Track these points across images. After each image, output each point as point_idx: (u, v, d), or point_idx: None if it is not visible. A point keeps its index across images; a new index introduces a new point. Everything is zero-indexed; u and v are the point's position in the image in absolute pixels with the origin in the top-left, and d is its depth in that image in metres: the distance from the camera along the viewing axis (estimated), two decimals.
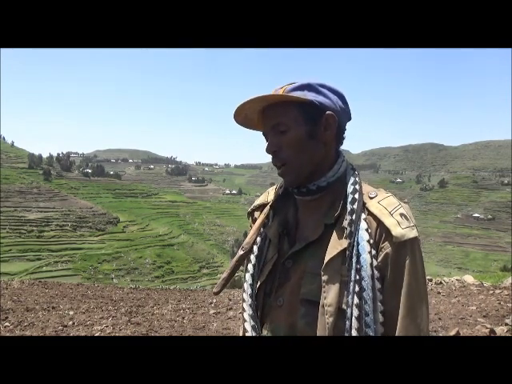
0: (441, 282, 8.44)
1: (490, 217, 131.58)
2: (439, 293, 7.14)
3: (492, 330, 4.13)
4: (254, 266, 0.96)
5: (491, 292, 6.86)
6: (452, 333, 4.13)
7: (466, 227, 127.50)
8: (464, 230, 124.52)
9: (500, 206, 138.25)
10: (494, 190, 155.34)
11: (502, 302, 5.85)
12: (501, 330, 4.15)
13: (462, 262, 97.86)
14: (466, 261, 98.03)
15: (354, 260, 0.82)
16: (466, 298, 6.50)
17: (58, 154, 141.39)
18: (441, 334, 4.26)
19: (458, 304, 6.01)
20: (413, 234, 0.82)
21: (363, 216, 0.86)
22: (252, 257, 0.97)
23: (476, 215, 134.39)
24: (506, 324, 4.41)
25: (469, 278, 8.76)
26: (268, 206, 1.02)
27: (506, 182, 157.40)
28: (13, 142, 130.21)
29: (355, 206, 0.86)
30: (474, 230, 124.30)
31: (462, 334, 4.17)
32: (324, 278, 0.84)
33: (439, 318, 5.02)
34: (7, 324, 5.28)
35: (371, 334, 0.79)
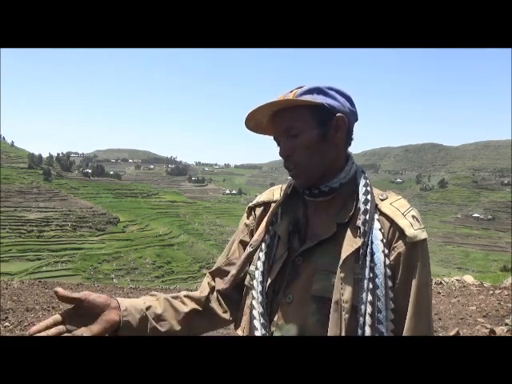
0: (441, 282, 8.43)
1: (489, 217, 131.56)
2: (439, 293, 7.14)
3: (492, 330, 4.14)
4: (263, 263, 0.96)
5: (491, 292, 6.86)
6: (452, 333, 4.13)
7: (466, 227, 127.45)
8: (464, 230, 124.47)
9: (500, 206, 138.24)
10: (493, 189, 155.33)
11: (501, 302, 5.85)
12: (501, 330, 4.15)
13: (462, 261, 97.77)
14: (466, 261, 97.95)
15: (368, 258, 0.84)
16: (466, 298, 6.49)
17: (58, 154, 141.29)
18: (441, 334, 4.26)
19: (458, 304, 6.01)
20: (423, 235, 0.85)
21: (376, 216, 0.88)
22: (261, 254, 0.97)
23: (476, 215, 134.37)
24: (506, 324, 4.41)
25: (469, 278, 8.75)
26: (276, 205, 1.02)
27: (505, 182, 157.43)
28: (13, 142, 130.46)
29: (368, 206, 0.88)
30: (473, 230, 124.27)
31: (461, 334, 4.17)
32: (341, 275, 0.85)
33: (439, 318, 5.02)
34: (7, 324, 5.28)
35: (383, 330, 0.81)
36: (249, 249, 0.99)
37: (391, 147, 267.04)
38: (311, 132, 0.91)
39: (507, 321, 4.51)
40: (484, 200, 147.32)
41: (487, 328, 4.26)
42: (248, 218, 1.10)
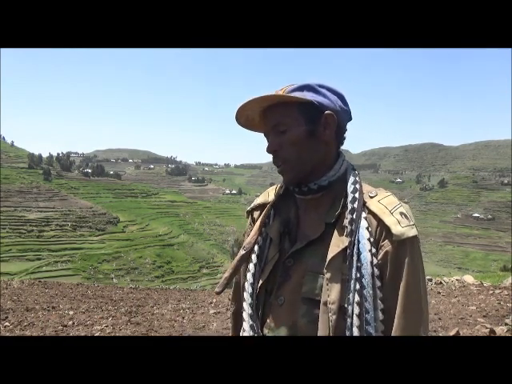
0: (441, 282, 8.44)
1: (489, 217, 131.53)
2: (439, 293, 7.15)
3: (492, 330, 4.13)
4: (255, 265, 0.96)
5: (491, 292, 6.86)
6: (452, 333, 4.13)
7: (466, 227, 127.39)
8: (464, 230, 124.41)
9: (500, 206, 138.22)
10: (493, 189, 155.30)
11: (501, 302, 5.86)
12: (501, 330, 4.15)
13: (462, 262, 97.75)
14: (466, 261, 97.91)
15: (355, 258, 0.83)
16: (466, 298, 6.50)
17: (58, 154, 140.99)
18: (441, 334, 4.26)
19: (458, 304, 6.02)
20: (412, 232, 0.83)
21: (363, 215, 0.87)
22: (253, 256, 0.97)
23: (476, 215, 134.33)
24: (506, 324, 4.41)
25: (469, 278, 8.77)
26: (268, 206, 1.02)
27: (505, 181, 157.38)
28: (13, 142, 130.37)
29: (355, 205, 0.87)
30: (473, 230, 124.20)
31: (461, 334, 4.17)
32: (327, 276, 0.85)
33: (439, 318, 5.03)
34: (7, 324, 5.28)
35: (371, 331, 0.79)
36: (242, 251, 0.98)
37: (391, 147, 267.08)
38: (299, 128, 0.90)
39: (507, 321, 4.51)
40: (484, 200, 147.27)
41: (487, 328, 4.26)
42: (249, 224, 1.10)
